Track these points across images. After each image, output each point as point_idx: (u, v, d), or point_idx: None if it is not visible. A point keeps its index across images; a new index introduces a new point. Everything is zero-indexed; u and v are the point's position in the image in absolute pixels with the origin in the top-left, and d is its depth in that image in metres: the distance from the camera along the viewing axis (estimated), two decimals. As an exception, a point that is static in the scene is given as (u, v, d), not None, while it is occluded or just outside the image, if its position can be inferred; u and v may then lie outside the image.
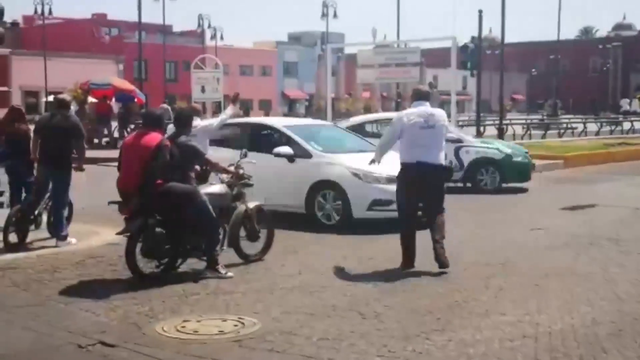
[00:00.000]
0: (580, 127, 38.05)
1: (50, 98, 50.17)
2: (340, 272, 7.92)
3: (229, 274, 7.66)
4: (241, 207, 8.32)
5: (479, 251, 9.05)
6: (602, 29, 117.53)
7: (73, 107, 31.31)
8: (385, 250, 8.95)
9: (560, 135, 35.29)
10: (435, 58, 60.09)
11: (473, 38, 21.85)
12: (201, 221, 7.58)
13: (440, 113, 8.19)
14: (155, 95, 55.77)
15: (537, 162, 20.51)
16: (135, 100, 29.54)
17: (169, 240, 7.47)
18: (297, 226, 10.57)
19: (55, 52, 59.82)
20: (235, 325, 5.95)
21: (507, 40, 25.48)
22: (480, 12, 21.03)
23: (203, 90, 25.23)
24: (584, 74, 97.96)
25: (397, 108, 44.55)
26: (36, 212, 9.34)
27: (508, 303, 6.69)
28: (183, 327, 5.91)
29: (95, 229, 10.27)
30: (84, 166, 9.53)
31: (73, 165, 9.32)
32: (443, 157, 8.08)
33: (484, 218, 11.88)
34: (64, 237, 9.23)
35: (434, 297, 6.90)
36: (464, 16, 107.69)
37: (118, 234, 7.63)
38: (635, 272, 7.93)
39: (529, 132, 33.35)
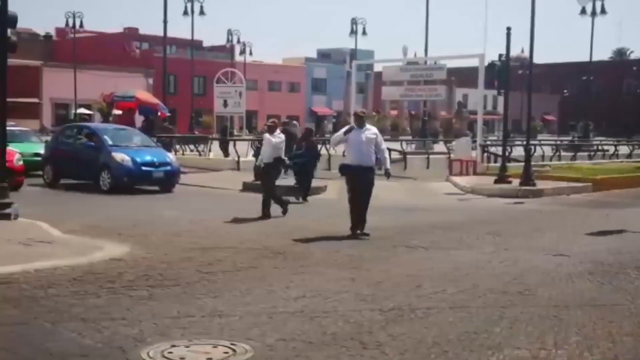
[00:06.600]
0: (612, 149, 37.27)
1: (80, 110, 50.28)
2: (346, 297, 7.49)
3: None
4: None
5: (496, 277, 8.58)
6: (637, 51, 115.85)
7: (98, 119, 31.27)
8: (395, 274, 8.53)
9: (590, 158, 34.56)
10: (465, 77, 59.57)
11: (500, 56, 21.33)
12: None
13: None
14: (183, 109, 55.93)
15: (565, 184, 19.90)
16: (159, 114, 29.43)
17: None
18: (309, 244, 10.24)
19: (86, 64, 60.34)
20: (226, 353, 5.56)
21: (540, 61, 24.93)
22: (508, 29, 20.50)
23: (225, 104, 25.06)
24: (617, 95, 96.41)
25: (424, 126, 44.02)
26: None
27: (523, 336, 6.22)
28: (170, 352, 5.54)
29: (101, 244, 10.00)
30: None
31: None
32: None
33: (504, 241, 11.38)
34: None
35: (444, 326, 6.45)
36: (496, 35, 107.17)
37: None
38: (663, 304, 7.42)
39: (557, 153, 32.76)
